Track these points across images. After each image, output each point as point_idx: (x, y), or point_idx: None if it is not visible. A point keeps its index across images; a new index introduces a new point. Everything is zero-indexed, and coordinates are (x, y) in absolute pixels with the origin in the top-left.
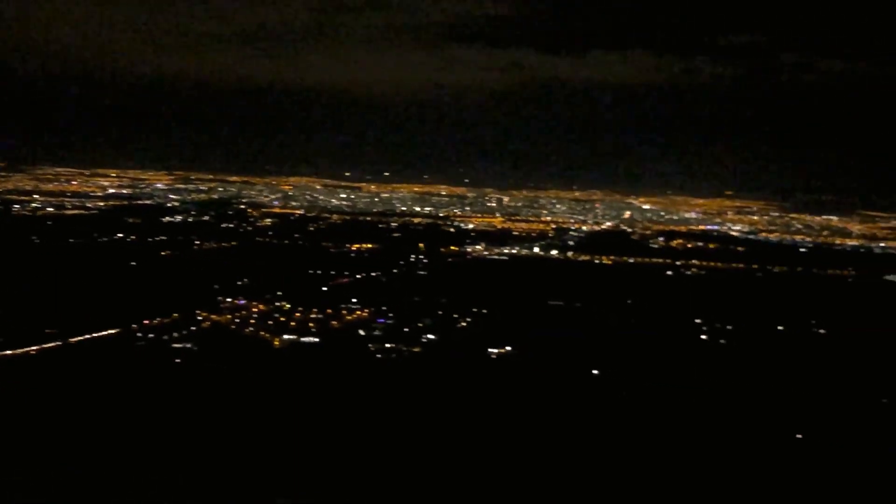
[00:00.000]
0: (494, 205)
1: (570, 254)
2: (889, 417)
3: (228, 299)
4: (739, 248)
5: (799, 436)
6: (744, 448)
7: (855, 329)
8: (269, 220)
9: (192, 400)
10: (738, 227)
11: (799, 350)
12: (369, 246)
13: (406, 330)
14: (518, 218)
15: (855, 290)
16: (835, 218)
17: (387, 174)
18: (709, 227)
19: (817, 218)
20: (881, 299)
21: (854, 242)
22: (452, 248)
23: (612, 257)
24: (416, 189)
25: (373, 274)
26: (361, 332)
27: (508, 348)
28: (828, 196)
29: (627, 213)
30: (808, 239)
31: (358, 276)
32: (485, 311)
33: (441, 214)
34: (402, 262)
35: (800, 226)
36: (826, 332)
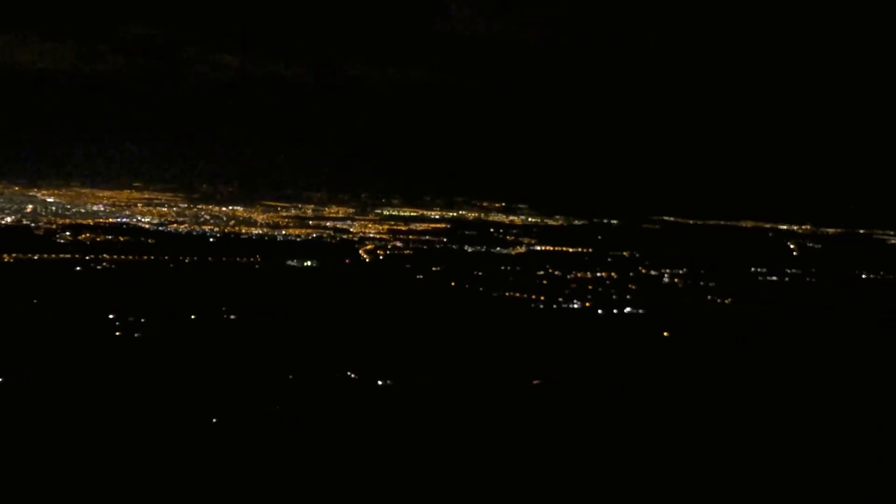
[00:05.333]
0: None
1: None
2: (294, 388)
3: None
4: (150, 240)
5: (214, 420)
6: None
7: (263, 310)
8: None
9: None
10: (147, 219)
11: (216, 337)
12: None
13: None
14: None
15: (262, 275)
16: (241, 208)
17: None
18: (118, 219)
19: (224, 208)
20: (284, 282)
21: (259, 231)
22: None
23: (14, 255)
24: None
25: None
26: None
27: None
28: (231, 188)
29: (30, 207)
30: (217, 229)
31: None
32: None
33: None
34: None
35: (208, 216)
36: (237, 317)
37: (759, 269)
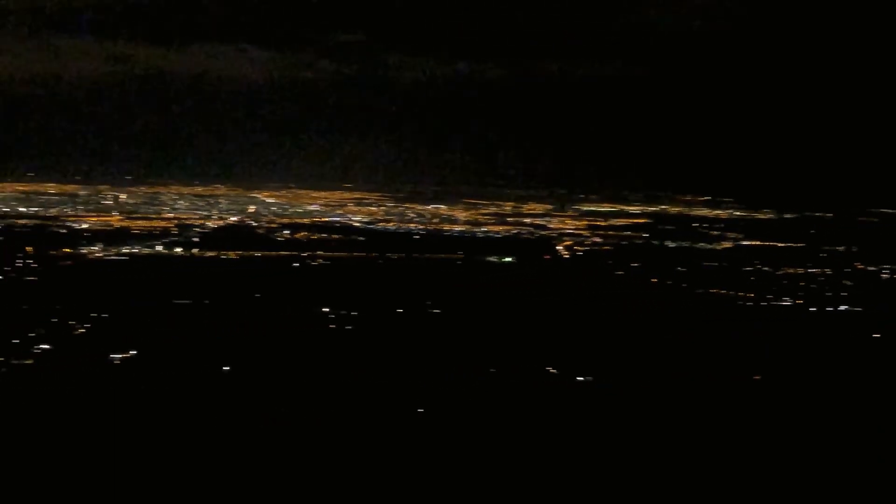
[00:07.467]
0: (111, 202)
1: (195, 250)
2: (495, 381)
3: None
4: (361, 238)
5: (420, 411)
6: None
7: (466, 305)
8: None
9: None
10: (358, 218)
11: (422, 330)
12: None
13: (15, 342)
14: (137, 215)
15: (462, 270)
16: (443, 207)
17: None
18: (331, 218)
19: (428, 207)
20: (483, 276)
21: (461, 228)
22: (66, 250)
23: (238, 252)
24: (19, 188)
25: None
26: None
27: (133, 353)
28: (435, 186)
29: (252, 208)
30: (421, 227)
31: None
32: (105, 315)
33: (50, 215)
34: (6, 268)
35: (413, 215)
36: (440, 311)
37: None
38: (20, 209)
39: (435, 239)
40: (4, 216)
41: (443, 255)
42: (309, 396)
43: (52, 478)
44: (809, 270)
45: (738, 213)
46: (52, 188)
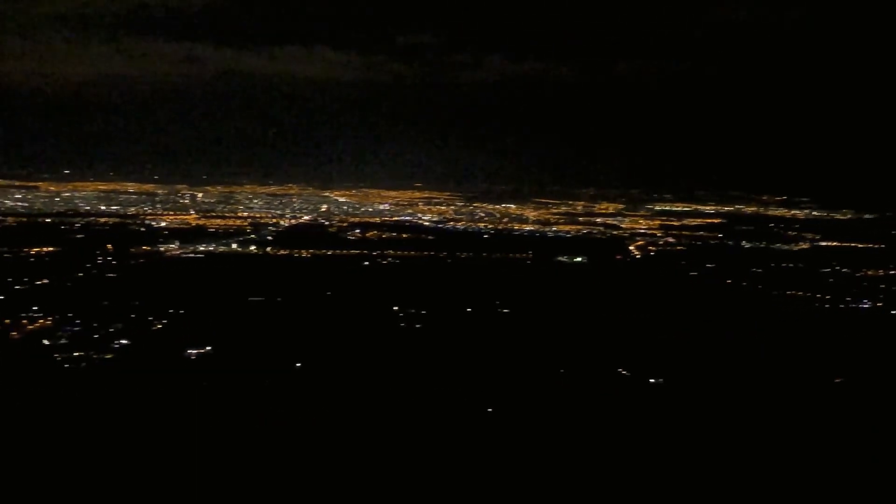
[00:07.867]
0: (188, 201)
1: (268, 249)
2: (566, 383)
3: None
4: (430, 237)
5: (490, 410)
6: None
7: (535, 305)
8: None
9: None
10: (427, 217)
11: (485, 328)
12: (50, 249)
13: (96, 336)
14: (213, 214)
15: (532, 271)
16: (513, 206)
17: (67, 172)
18: (401, 217)
19: (498, 206)
20: (554, 277)
21: (530, 227)
22: (144, 248)
23: (311, 250)
24: (100, 187)
25: (55, 279)
26: (46, 342)
27: (209, 348)
28: (505, 186)
29: (324, 207)
30: (490, 226)
31: (38, 282)
32: (182, 311)
33: (129, 213)
34: (88, 265)
35: (482, 214)
36: (510, 310)
37: None
38: (101, 208)
39: (504, 238)
40: (86, 214)
41: (512, 255)
42: (379, 394)
43: (134, 464)
44: (890, 272)
45: (815, 214)
46: (131, 187)
